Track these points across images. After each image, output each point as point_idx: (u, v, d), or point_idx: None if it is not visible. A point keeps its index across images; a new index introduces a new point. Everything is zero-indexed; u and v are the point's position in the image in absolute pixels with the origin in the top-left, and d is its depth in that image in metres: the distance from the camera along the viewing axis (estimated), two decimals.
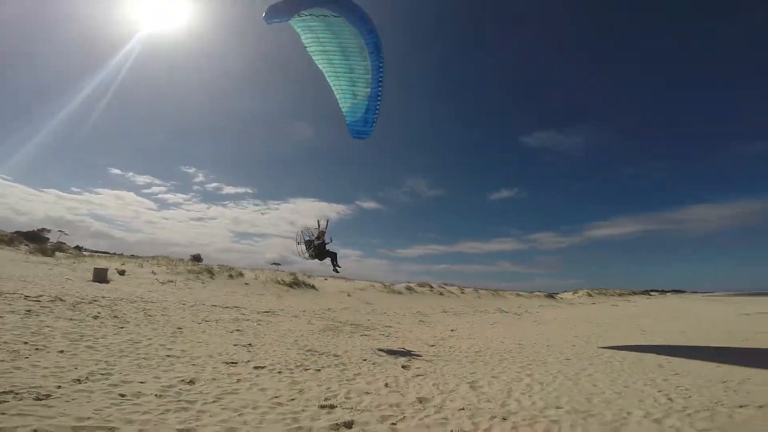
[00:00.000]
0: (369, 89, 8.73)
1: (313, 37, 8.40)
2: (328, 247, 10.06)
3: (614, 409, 4.24)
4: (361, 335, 10.28)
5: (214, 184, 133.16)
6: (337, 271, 10.30)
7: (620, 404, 4.42)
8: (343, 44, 8.38)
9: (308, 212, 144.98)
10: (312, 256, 9.80)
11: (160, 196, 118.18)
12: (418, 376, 6.07)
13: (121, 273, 16.83)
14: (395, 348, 8.60)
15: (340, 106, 9.19)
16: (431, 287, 30.64)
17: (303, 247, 9.90)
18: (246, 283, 20.35)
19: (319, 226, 9.93)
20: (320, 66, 8.77)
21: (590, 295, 59.01)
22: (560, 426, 3.81)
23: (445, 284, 33.45)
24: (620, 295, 66.80)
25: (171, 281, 17.10)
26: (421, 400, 4.74)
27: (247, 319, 10.69)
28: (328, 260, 10.10)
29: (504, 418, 4.06)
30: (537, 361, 7.51)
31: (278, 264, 39.78)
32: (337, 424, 3.82)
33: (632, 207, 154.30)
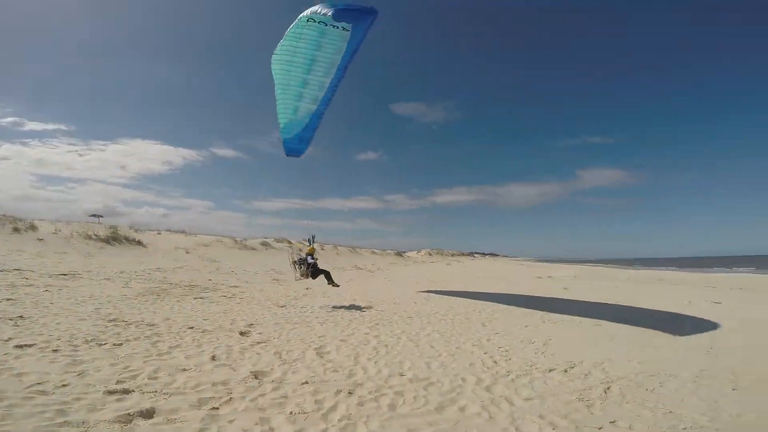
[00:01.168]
0: (315, 106, 8.28)
1: (292, 46, 7.63)
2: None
3: (450, 375, 4.44)
4: (195, 298, 8.89)
5: (11, 119, 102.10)
6: (337, 286, 10.59)
7: (455, 369, 4.68)
8: (318, 58, 7.74)
9: (144, 156, 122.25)
10: (305, 275, 9.69)
11: None
12: (258, 343, 5.37)
13: None
14: (229, 310, 7.66)
15: (278, 119, 8.32)
16: (290, 243, 29.69)
17: (295, 267, 9.82)
18: (40, 239, 15.73)
19: (310, 242, 9.86)
20: (275, 75, 8.06)
21: (430, 255, 67.97)
22: (404, 398, 3.72)
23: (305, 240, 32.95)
24: (453, 255, 79.16)
25: None
26: (256, 375, 4.09)
27: (31, 285, 8.13)
28: (321, 278, 9.98)
29: (350, 392, 3.77)
30: (384, 320, 7.70)
31: (100, 216, 32.24)
32: (129, 414, 2.89)
33: (468, 178, 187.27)
